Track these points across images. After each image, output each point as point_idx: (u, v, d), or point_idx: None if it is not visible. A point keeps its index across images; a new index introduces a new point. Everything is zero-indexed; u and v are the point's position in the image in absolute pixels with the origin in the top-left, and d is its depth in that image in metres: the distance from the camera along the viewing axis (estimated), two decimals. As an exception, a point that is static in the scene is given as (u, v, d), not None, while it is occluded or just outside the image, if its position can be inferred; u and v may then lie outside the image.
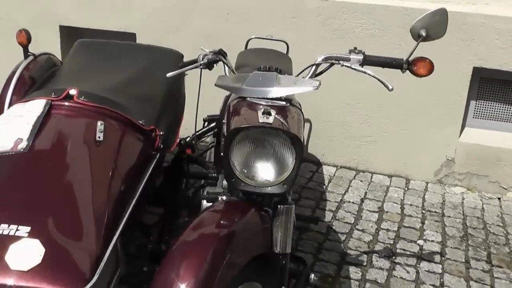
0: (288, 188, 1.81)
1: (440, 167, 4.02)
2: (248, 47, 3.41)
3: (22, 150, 1.81)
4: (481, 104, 4.00)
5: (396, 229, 3.44)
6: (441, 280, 2.95)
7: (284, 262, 1.96)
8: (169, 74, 2.14)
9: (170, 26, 4.16)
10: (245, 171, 1.83)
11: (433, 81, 3.66)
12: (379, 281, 2.89)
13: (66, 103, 2.05)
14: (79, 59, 2.78)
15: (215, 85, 2.02)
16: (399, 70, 2.08)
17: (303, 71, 2.16)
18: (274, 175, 1.81)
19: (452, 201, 3.85)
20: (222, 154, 1.87)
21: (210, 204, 1.99)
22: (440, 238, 3.37)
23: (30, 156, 1.82)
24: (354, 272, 2.95)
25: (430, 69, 2.00)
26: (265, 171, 1.82)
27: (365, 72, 2.03)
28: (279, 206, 1.90)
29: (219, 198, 1.99)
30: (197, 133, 2.90)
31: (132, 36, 4.32)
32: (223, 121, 2.10)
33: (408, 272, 3.00)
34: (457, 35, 3.68)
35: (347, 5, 3.81)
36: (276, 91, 1.91)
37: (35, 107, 2.01)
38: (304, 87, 1.95)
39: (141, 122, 2.24)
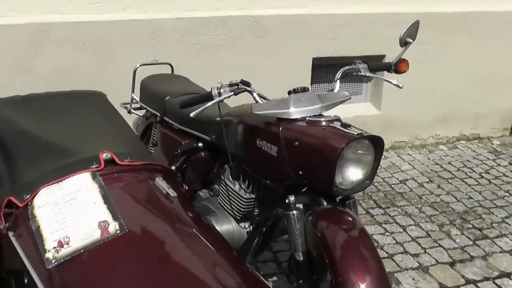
0: (370, 182, 2.18)
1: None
2: (137, 75, 3.49)
3: (118, 232, 1.62)
4: (316, 87, 4.79)
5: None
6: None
7: None
8: (192, 114, 2.21)
9: (19, 66, 3.85)
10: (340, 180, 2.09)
11: (285, 74, 4.32)
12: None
13: (114, 170, 1.88)
14: (19, 121, 2.29)
15: (256, 113, 2.18)
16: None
17: (332, 87, 2.48)
18: (361, 175, 2.13)
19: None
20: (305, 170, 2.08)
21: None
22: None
23: (132, 235, 1.64)
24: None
25: (408, 66, 2.58)
26: (351, 174, 2.11)
27: (377, 77, 2.52)
28: (346, 201, 2.25)
29: (293, 212, 2.18)
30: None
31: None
32: (266, 145, 2.23)
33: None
34: (297, 33, 4.37)
35: (200, 20, 4.13)
36: (327, 107, 2.24)
37: (83, 183, 1.77)
38: (341, 99, 2.33)
39: (172, 167, 2.26)
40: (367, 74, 2.54)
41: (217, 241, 1.84)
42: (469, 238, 3.58)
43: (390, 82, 2.51)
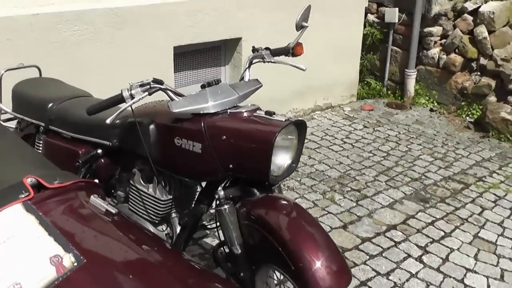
0: (296, 166, 2.24)
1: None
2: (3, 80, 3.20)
3: (76, 265, 1.41)
4: (179, 75, 4.78)
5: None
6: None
7: None
8: (109, 120, 2.06)
9: None
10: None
11: (148, 65, 4.27)
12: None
13: (46, 195, 1.62)
14: None
15: (175, 112, 2.12)
16: None
17: (242, 76, 2.48)
18: (289, 159, 2.18)
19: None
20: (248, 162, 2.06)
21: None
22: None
23: (92, 264, 1.45)
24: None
25: (303, 49, 2.69)
26: (281, 160, 2.15)
27: (280, 62, 2.58)
28: (272, 187, 2.24)
29: (225, 207, 2.15)
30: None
31: None
32: (188, 143, 2.17)
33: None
34: (156, 23, 4.28)
35: (57, 15, 3.84)
36: (243, 97, 2.25)
37: (16, 218, 1.51)
38: (255, 86, 2.37)
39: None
40: (272, 60, 2.59)
41: (165, 246, 1.84)
42: (351, 200, 3.88)
43: (295, 66, 2.60)
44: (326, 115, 5.65)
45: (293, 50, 2.67)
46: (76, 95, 2.94)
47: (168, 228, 2.58)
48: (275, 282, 2.26)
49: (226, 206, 2.17)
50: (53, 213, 1.58)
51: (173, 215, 2.54)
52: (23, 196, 1.54)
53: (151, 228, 2.51)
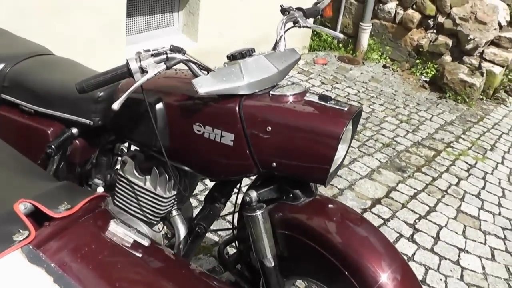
0: (343, 160, 1.81)
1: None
2: None
3: None
4: (130, 20, 4.21)
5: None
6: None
7: None
8: (115, 105, 1.52)
9: None
10: None
11: (95, 7, 3.69)
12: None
13: (53, 231, 1.06)
14: None
15: (202, 94, 1.60)
16: None
17: (275, 45, 1.97)
18: (343, 154, 1.76)
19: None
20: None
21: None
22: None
23: None
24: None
25: (332, 10, 2.33)
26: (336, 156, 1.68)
27: (317, 28, 2.16)
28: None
29: (259, 212, 1.76)
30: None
31: None
32: (213, 132, 1.70)
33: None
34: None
35: None
36: (284, 72, 1.79)
37: (20, 274, 0.97)
38: (293, 59, 1.90)
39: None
40: (307, 25, 2.15)
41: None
42: (328, 169, 3.64)
43: (333, 34, 2.21)
44: (279, 69, 5.31)
45: (322, 12, 2.29)
46: (34, 53, 2.28)
47: (165, 228, 2.14)
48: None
49: (259, 212, 1.75)
50: (69, 261, 1.05)
51: (174, 212, 2.04)
52: (20, 237, 1.00)
53: (146, 229, 2.02)
